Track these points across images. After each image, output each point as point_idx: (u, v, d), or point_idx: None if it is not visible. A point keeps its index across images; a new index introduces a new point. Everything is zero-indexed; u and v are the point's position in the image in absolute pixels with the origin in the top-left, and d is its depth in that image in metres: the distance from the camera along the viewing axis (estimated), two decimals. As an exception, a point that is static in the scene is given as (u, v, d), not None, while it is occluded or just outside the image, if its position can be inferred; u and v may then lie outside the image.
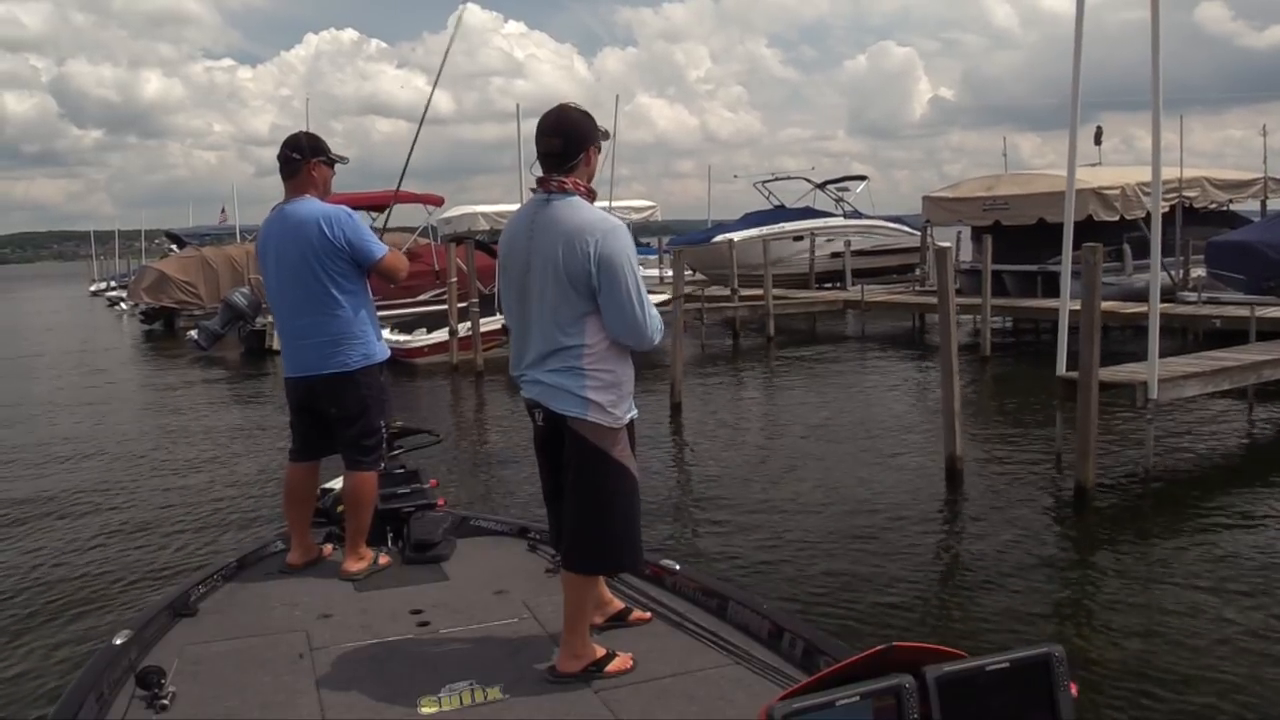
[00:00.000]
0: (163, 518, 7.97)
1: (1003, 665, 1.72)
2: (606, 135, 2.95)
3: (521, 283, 2.85)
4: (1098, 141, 21.42)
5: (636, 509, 2.90)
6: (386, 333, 16.95)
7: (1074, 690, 1.77)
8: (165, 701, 2.75)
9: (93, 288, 52.04)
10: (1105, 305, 16.21)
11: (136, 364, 21.03)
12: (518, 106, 27.43)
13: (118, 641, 3.05)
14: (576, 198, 2.81)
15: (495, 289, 13.94)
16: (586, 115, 2.90)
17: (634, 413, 2.91)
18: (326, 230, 3.76)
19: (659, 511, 7.80)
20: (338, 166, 4.00)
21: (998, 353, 15.62)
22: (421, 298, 19.82)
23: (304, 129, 4.49)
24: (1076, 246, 18.97)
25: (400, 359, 16.72)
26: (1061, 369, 8.41)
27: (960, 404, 7.98)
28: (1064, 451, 8.43)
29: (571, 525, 2.86)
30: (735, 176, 28.44)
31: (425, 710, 2.70)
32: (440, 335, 16.41)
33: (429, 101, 4.19)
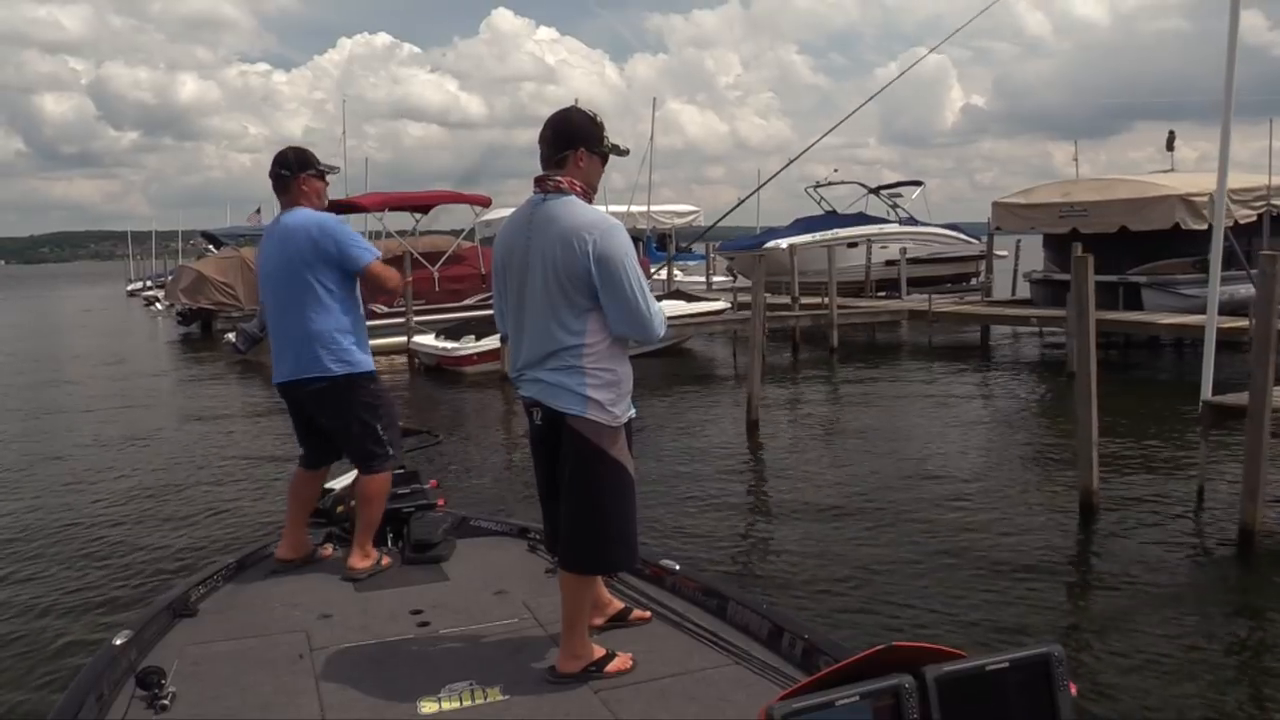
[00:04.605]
0: (175, 517, 7.90)
1: (1002, 665, 1.71)
2: (617, 150, 2.95)
3: (519, 283, 2.87)
4: (1170, 147, 20.39)
5: (633, 508, 2.89)
6: (431, 338, 16.51)
7: (1073, 690, 1.74)
8: (165, 702, 2.74)
9: (129, 287, 52.04)
10: (1196, 320, 15.39)
11: (172, 367, 20.49)
12: (575, 101, 26.80)
13: (118, 642, 3.04)
14: (573, 197, 2.82)
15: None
16: (590, 120, 2.91)
17: (632, 412, 2.91)
18: (316, 235, 3.83)
19: (751, 538, 7.15)
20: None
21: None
22: (467, 302, 19.13)
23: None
24: (1158, 257, 17.98)
25: (447, 367, 16.05)
26: (1207, 392, 7.47)
27: (1097, 432, 7.08)
28: (1206, 485, 7.53)
29: (568, 525, 2.87)
30: (822, 181, 27.29)
31: (425, 710, 2.70)
32: (490, 343, 15.60)
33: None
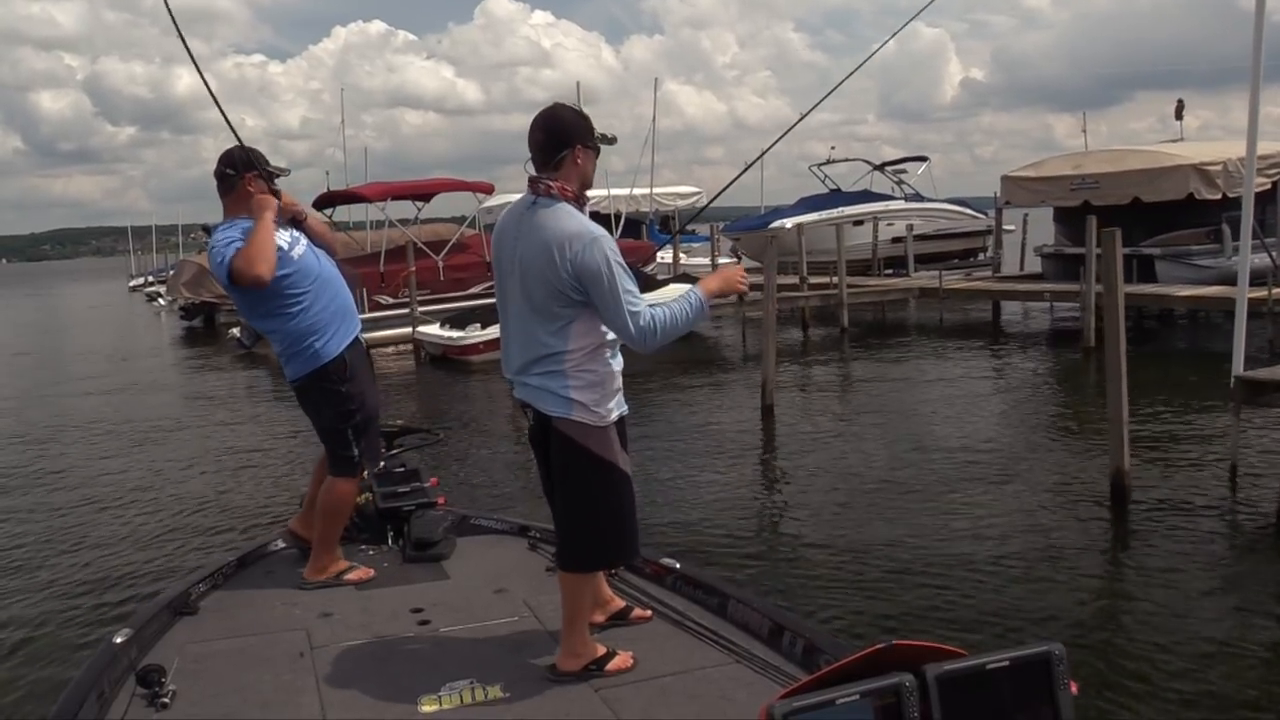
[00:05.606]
0: (177, 515, 7.89)
1: (1003, 664, 1.72)
2: (607, 140, 2.73)
3: (506, 285, 2.90)
4: (1179, 116, 20.10)
5: (626, 504, 2.89)
6: (436, 328, 16.33)
7: (1074, 689, 1.74)
8: (166, 700, 2.74)
9: (131, 283, 51.90)
10: (1209, 291, 15.18)
11: (177, 363, 20.36)
12: (578, 84, 26.57)
13: (118, 640, 3.04)
14: (563, 204, 2.80)
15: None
16: (580, 116, 2.90)
17: (623, 409, 2.93)
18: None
19: (766, 533, 6.97)
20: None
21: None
22: (472, 290, 18.95)
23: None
24: (1172, 228, 17.70)
25: (453, 357, 15.88)
26: (1239, 367, 7.25)
27: (1128, 412, 6.88)
28: (1239, 463, 7.34)
29: (561, 524, 2.94)
30: (826, 159, 27.06)
31: (425, 709, 2.71)
32: (496, 331, 15.44)
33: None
